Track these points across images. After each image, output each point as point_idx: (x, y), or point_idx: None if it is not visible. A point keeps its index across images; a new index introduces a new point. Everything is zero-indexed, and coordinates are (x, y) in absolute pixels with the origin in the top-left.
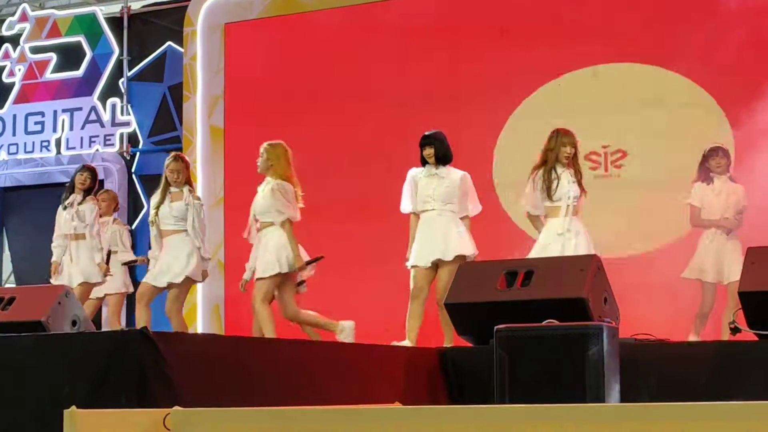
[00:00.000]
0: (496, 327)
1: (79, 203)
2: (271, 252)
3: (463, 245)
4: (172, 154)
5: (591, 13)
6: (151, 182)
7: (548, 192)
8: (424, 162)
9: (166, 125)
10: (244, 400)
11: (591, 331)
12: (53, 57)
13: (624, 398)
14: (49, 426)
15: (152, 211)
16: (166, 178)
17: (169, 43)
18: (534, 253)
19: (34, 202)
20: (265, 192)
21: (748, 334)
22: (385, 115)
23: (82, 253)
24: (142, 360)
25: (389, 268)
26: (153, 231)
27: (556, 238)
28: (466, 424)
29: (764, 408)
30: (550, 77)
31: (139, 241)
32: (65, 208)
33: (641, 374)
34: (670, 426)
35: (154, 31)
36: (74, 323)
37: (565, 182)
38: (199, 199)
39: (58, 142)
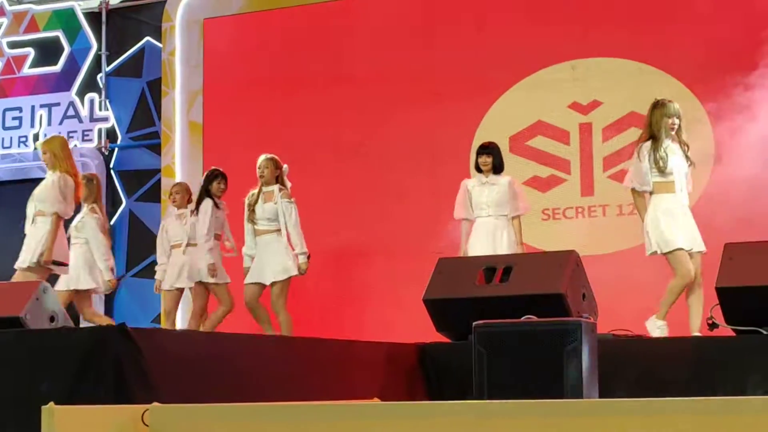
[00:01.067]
0: (474, 323)
1: None
2: (29, 243)
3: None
4: (264, 155)
5: (569, 7)
6: (129, 178)
7: (658, 166)
8: (478, 168)
9: (144, 121)
10: (222, 396)
11: (569, 327)
12: (31, 52)
13: (602, 394)
14: (28, 422)
15: (247, 210)
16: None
17: (147, 38)
18: (654, 231)
19: (10, 198)
20: (46, 182)
21: (726, 330)
22: (364, 110)
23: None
24: (120, 356)
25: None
26: (248, 228)
27: (674, 213)
28: (445, 420)
29: (741, 403)
30: (527, 72)
31: (118, 237)
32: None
33: (619, 370)
34: (648, 421)
35: (132, 26)
36: (52, 319)
37: (675, 155)
38: (290, 198)
39: (36, 138)
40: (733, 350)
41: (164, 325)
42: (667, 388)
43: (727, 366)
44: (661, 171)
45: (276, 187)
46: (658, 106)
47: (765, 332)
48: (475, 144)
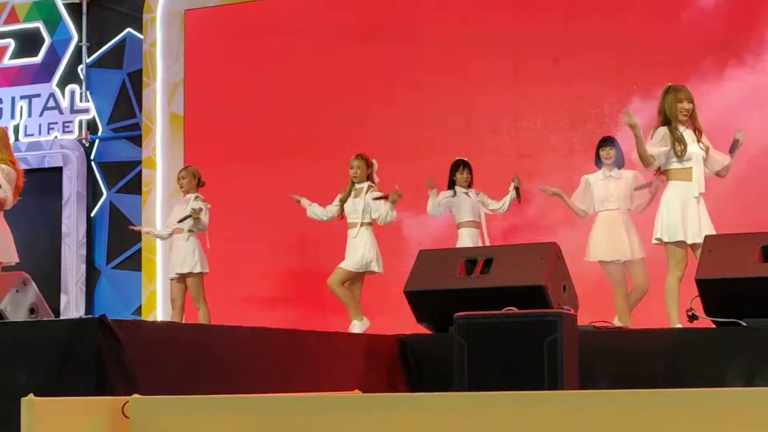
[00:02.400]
0: (455, 314)
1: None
2: None
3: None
4: (356, 155)
5: (552, 1)
6: (110, 169)
7: (676, 151)
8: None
9: (125, 112)
10: (203, 387)
11: (549, 319)
12: (11, 43)
13: (582, 385)
14: (7, 414)
15: (339, 205)
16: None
17: (128, 29)
18: (665, 218)
19: None
20: None
21: (705, 322)
22: (345, 103)
23: None
24: (100, 348)
25: None
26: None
27: (689, 202)
28: (426, 412)
29: (721, 395)
30: (509, 66)
31: (98, 228)
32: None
33: (600, 361)
34: (628, 413)
35: (113, 18)
36: (32, 311)
37: (690, 142)
38: (378, 194)
39: (16, 129)
40: (713, 341)
41: (170, 315)
42: (648, 380)
43: (707, 357)
44: (679, 157)
45: (366, 184)
46: (670, 90)
47: (744, 324)
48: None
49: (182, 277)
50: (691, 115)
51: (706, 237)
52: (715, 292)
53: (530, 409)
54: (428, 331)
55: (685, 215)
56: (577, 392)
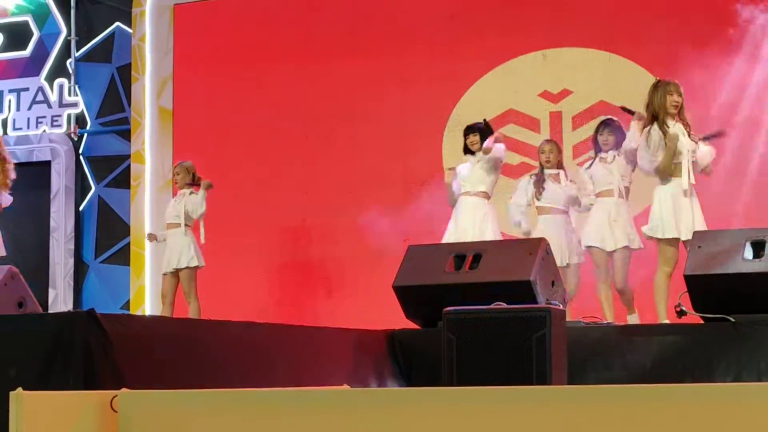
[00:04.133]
0: (444, 309)
1: None
2: None
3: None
4: (546, 140)
5: None
6: (98, 163)
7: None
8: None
9: (114, 106)
10: (191, 382)
11: (538, 314)
12: (0, 37)
13: (571, 380)
14: None
15: (534, 188)
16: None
17: (117, 23)
18: (658, 215)
19: None
20: None
21: (694, 317)
22: (334, 97)
23: None
24: (88, 342)
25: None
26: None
27: (681, 199)
28: (414, 406)
29: (709, 390)
30: (499, 60)
31: (87, 223)
32: None
33: (589, 357)
34: (616, 408)
35: (102, 11)
36: (20, 305)
37: (680, 136)
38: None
39: (4, 123)
40: (701, 337)
41: (160, 309)
42: (636, 375)
43: (696, 353)
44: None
45: (562, 171)
46: (659, 85)
47: (733, 319)
48: (446, 135)
49: (176, 272)
50: (679, 109)
51: (695, 233)
52: (703, 288)
53: (519, 405)
54: (417, 326)
55: (678, 212)
56: (566, 387)
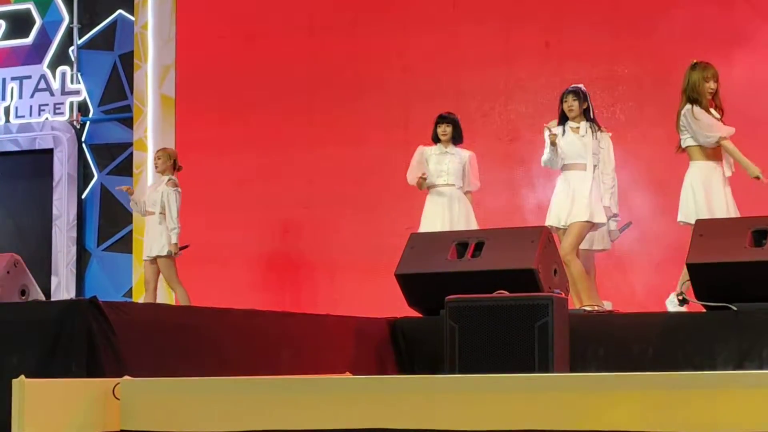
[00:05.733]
0: (446, 297)
1: None
2: None
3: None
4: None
5: None
6: (101, 151)
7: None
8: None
9: (116, 94)
10: (194, 369)
11: (540, 302)
12: (2, 24)
13: (573, 368)
14: None
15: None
16: None
17: (119, 11)
18: (687, 200)
19: None
20: None
21: (696, 306)
22: (337, 86)
23: None
24: (91, 329)
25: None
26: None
27: (717, 183)
28: (416, 394)
29: (711, 378)
30: (501, 49)
31: (89, 210)
32: None
33: (590, 345)
34: (619, 396)
35: None
36: (23, 293)
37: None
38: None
39: (6, 111)
40: (703, 325)
41: (143, 296)
42: (639, 363)
43: (698, 341)
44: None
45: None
46: (697, 67)
47: (735, 308)
48: None
49: (154, 260)
50: (714, 94)
51: (697, 221)
52: (705, 277)
53: (520, 392)
54: (419, 314)
55: (712, 198)
56: (568, 375)
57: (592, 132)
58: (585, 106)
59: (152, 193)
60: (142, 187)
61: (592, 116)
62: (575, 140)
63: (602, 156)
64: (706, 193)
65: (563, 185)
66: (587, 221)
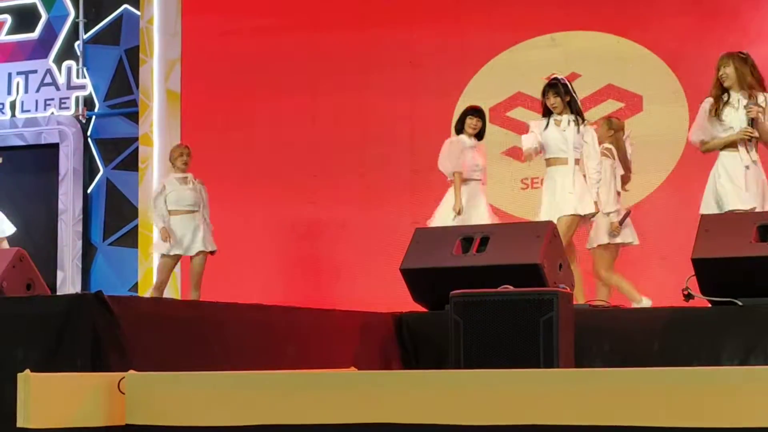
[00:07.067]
0: (451, 292)
1: None
2: None
3: None
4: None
5: None
6: (107, 146)
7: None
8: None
9: (122, 89)
10: (199, 364)
11: (545, 297)
12: (8, 19)
13: (578, 364)
14: (3, 390)
15: None
16: None
17: (125, 5)
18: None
19: None
20: None
21: (701, 301)
22: (343, 80)
23: None
24: (96, 324)
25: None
26: None
27: (742, 172)
28: (421, 389)
29: (716, 374)
30: (508, 44)
31: (95, 205)
32: None
33: (595, 340)
34: (623, 391)
35: None
36: (28, 287)
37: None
38: None
39: (12, 105)
40: (708, 321)
41: (149, 290)
42: (643, 359)
43: (703, 336)
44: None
45: None
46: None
47: (740, 303)
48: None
49: (177, 257)
50: (739, 80)
51: (702, 216)
52: (711, 272)
53: (525, 387)
54: (424, 309)
55: (735, 185)
56: (573, 370)
57: (575, 125)
58: (568, 99)
59: (187, 191)
60: (148, 183)
61: (577, 108)
62: (557, 134)
63: (585, 150)
64: (731, 184)
65: (548, 182)
66: (573, 215)
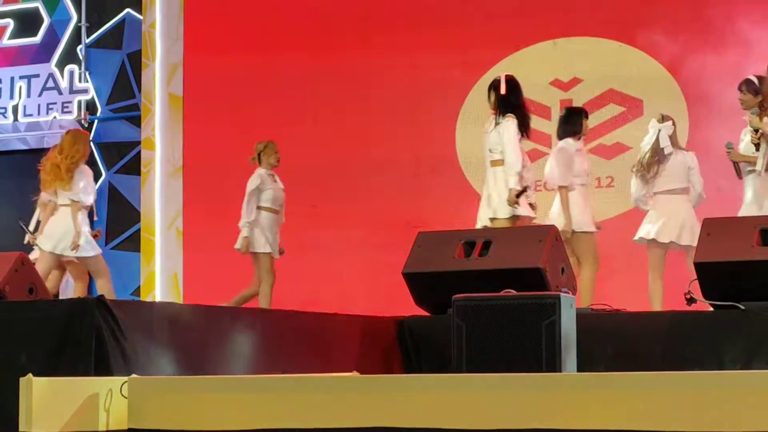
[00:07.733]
0: (453, 296)
1: None
2: None
3: None
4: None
5: None
6: (109, 150)
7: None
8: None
9: (124, 93)
10: (201, 368)
11: (548, 301)
12: (10, 23)
13: (580, 368)
14: (6, 393)
15: None
16: None
17: (127, 9)
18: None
19: None
20: None
21: (704, 305)
22: (345, 84)
23: None
24: (99, 328)
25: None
26: None
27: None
28: (423, 393)
29: (719, 378)
30: (511, 49)
31: (98, 209)
32: None
33: (597, 344)
34: (626, 395)
35: None
36: (31, 291)
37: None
38: None
39: (15, 109)
40: (710, 325)
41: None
42: (646, 363)
43: (705, 340)
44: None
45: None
46: None
47: (743, 307)
48: (459, 124)
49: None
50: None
51: (705, 220)
52: (713, 276)
53: (528, 392)
54: (426, 313)
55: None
56: (576, 375)
57: (495, 125)
58: (500, 98)
59: (277, 190)
60: (150, 187)
61: (506, 106)
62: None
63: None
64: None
65: (484, 187)
66: (509, 217)
